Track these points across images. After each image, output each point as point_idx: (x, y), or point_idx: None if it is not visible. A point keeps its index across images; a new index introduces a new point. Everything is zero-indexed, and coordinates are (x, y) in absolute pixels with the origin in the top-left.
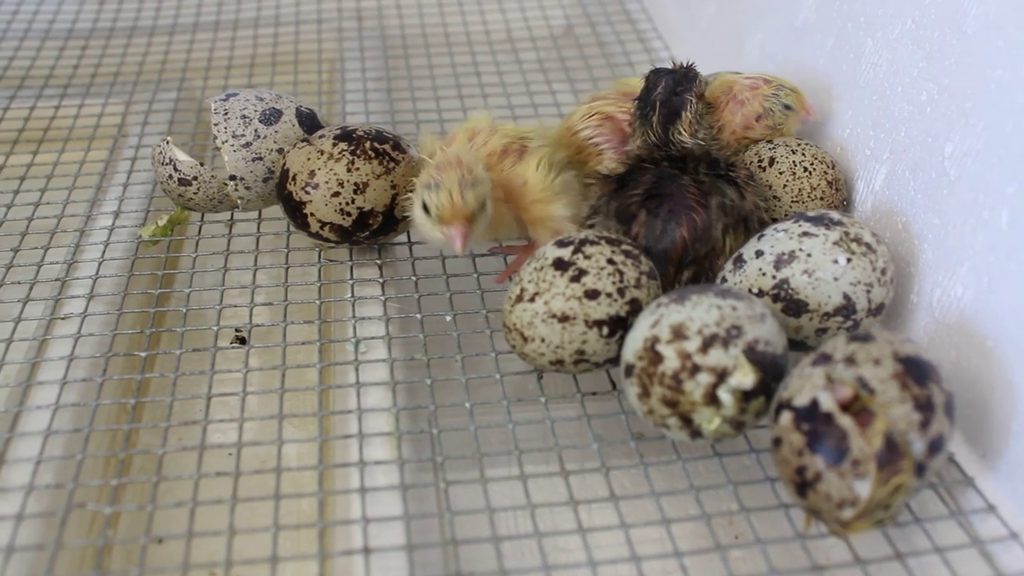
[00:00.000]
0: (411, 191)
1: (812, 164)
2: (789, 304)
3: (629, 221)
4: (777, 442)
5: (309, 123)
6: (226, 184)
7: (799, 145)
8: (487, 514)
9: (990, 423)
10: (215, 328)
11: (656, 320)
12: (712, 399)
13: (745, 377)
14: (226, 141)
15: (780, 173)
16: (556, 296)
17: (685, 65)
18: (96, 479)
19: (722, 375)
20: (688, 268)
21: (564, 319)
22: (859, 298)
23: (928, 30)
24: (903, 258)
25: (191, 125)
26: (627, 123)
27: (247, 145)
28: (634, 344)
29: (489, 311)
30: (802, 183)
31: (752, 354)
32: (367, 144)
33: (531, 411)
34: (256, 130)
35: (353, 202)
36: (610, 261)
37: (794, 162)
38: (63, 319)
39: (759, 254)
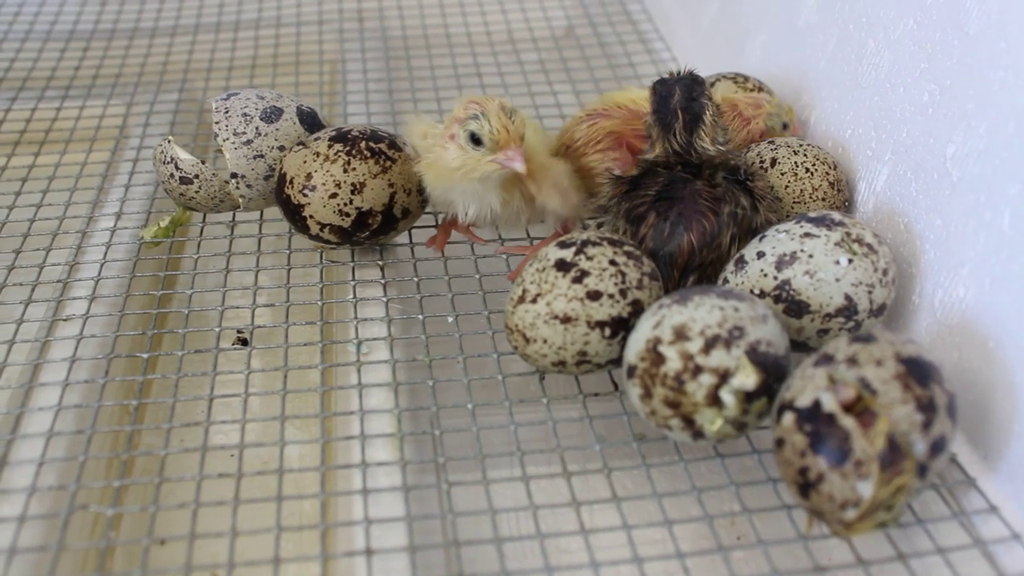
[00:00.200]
0: (430, 147)
1: (814, 165)
2: (791, 305)
3: (638, 223)
4: (779, 443)
5: (310, 121)
6: (227, 183)
7: (801, 146)
8: (489, 515)
9: (992, 424)
10: (217, 329)
11: (658, 321)
12: (714, 400)
13: (747, 378)
14: (227, 139)
15: (782, 174)
16: (558, 297)
17: (687, 71)
18: (98, 481)
19: (724, 376)
20: (693, 273)
21: (566, 320)
22: (861, 299)
23: (930, 31)
24: (905, 259)
25: (192, 127)
26: (641, 135)
27: (248, 143)
28: (636, 345)
29: (491, 312)
30: (804, 184)
31: (754, 355)
32: (362, 144)
33: (533, 412)
34: (257, 128)
35: (351, 202)
36: (612, 262)
37: (796, 163)
38: (65, 320)
39: (761, 255)
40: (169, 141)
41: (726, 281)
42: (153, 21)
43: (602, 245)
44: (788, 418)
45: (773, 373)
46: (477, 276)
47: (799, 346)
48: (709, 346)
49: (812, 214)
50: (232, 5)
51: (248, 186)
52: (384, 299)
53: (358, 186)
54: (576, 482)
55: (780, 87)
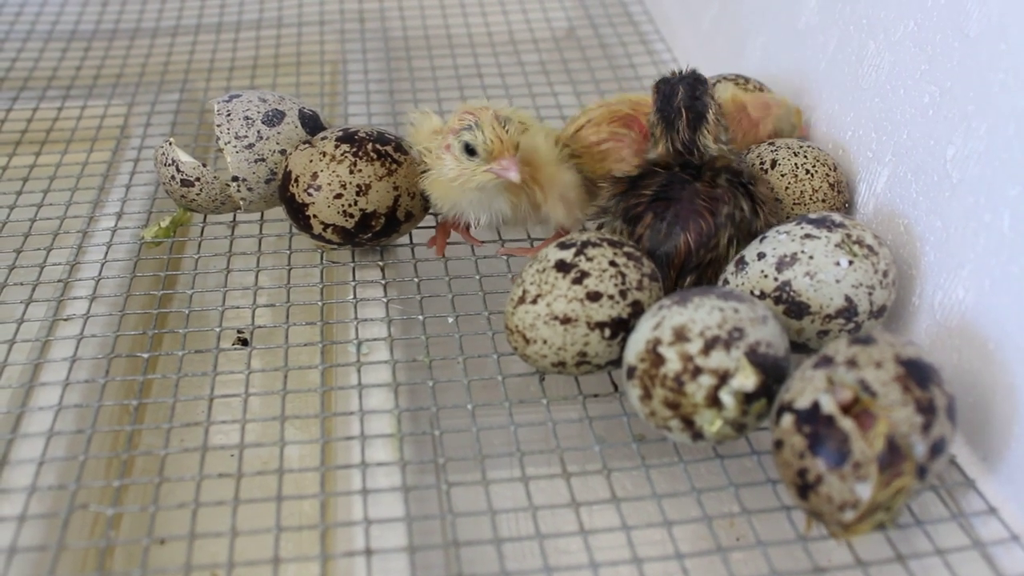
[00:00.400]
0: (427, 159)
1: (814, 166)
2: (791, 306)
3: (635, 222)
4: (778, 444)
5: (312, 124)
6: (228, 185)
7: (801, 147)
8: (489, 516)
9: (991, 425)
10: (217, 329)
11: (658, 322)
12: (714, 401)
13: (747, 379)
14: (229, 142)
15: (782, 175)
16: (558, 298)
17: (690, 71)
18: (98, 480)
19: (724, 377)
20: (690, 274)
21: (566, 321)
22: (861, 300)
23: (930, 33)
24: (905, 260)
25: (194, 127)
26: (646, 131)
27: (250, 146)
28: (636, 346)
29: (491, 313)
30: (804, 185)
31: (754, 356)
32: (369, 146)
33: (533, 413)
34: (259, 131)
35: (356, 204)
36: (612, 263)
37: (796, 164)
38: (65, 320)
39: (761, 256)
40: (170, 143)
41: (726, 282)
42: (155, 21)
43: (602, 246)
44: (787, 419)
45: (773, 374)
46: (477, 277)
47: (799, 347)
48: (709, 347)
49: (812, 215)
50: (233, 5)
51: (249, 189)
52: (384, 300)
53: (363, 188)
54: (576, 483)
55: (780, 88)
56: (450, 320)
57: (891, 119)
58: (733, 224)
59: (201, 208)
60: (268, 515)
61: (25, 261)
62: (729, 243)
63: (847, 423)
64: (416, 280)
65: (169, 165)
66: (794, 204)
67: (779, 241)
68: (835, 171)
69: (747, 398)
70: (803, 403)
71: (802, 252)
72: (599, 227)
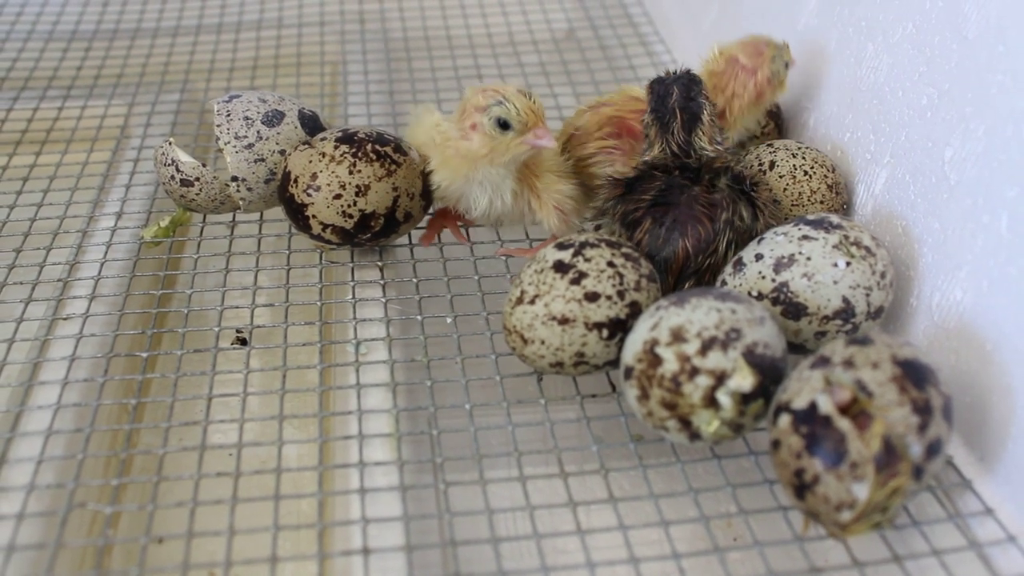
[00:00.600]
0: (437, 146)
1: (812, 168)
2: (788, 307)
3: (633, 227)
4: (775, 444)
5: (311, 125)
6: (228, 185)
7: (799, 149)
8: (486, 515)
9: (988, 426)
10: (216, 329)
11: (656, 323)
12: (711, 402)
13: (744, 380)
14: (228, 142)
15: (780, 176)
16: (556, 298)
17: (684, 70)
18: (97, 479)
19: (721, 378)
20: (689, 279)
21: (564, 321)
22: (858, 301)
23: (929, 35)
24: (903, 262)
25: (194, 127)
26: (641, 132)
27: (249, 147)
28: (633, 346)
29: (489, 313)
30: (802, 187)
31: (751, 357)
32: (369, 146)
33: (531, 413)
34: (258, 131)
35: (355, 204)
36: (610, 264)
37: (794, 166)
38: (65, 319)
39: (759, 257)
40: (170, 143)
41: (724, 283)
42: (155, 22)
43: (600, 247)
44: (784, 420)
45: (770, 375)
46: (476, 277)
47: (797, 348)
48: (706, 348)
49: (810, 217)
50: (234, 6)
51: (249, 189)
52: (383, 300)
53: (362, 188)
54: (573, 483)
55: None
56: (449, 320)
57: (889, 121)
58: (732, 229)
59: (200, 208)
60: (266, 514)
61: (25, 260)
62: (728, 248)
63: (844, 423)
64: (415, 280)
65: (169, 165)
66: (792, 205)
67: (777, 242)
68: (833, 172)
69: (744, 399)
70: (800, 403)
71: (800, 253)
72: (596, 228)
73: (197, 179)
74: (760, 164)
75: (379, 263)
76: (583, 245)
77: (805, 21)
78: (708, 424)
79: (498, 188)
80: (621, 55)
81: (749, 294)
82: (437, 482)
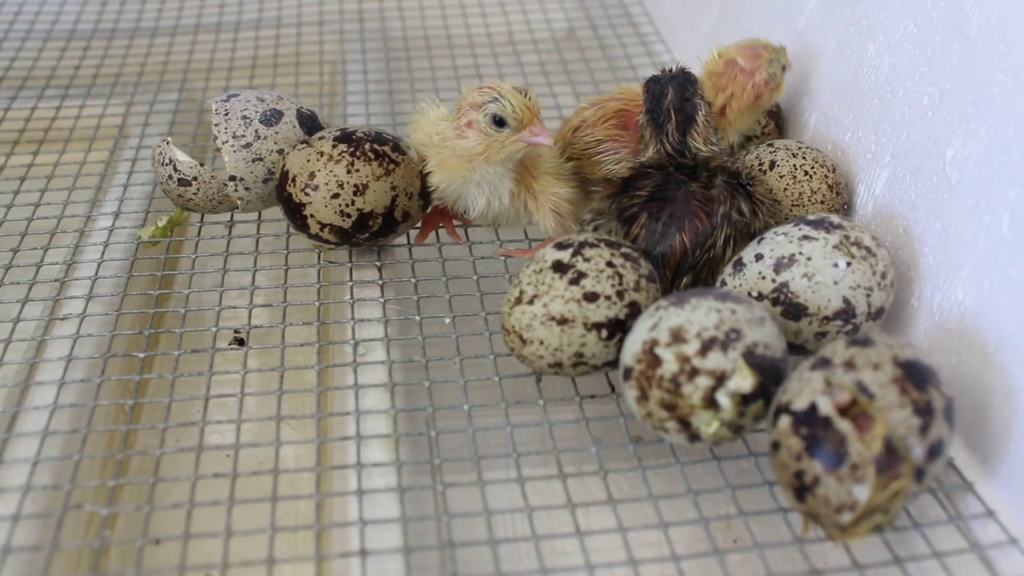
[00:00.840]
0: (435, 143)
1: (813, 168)
2: (788, 308)
3: (630, 223)
4: (775, 446)
5: (310, 124)
6: (226, 185)
7: (800, 148)
8: (484, 517)
9: (990, 428)
10: (214, 329)
11: (655, 323)
12: (710, 402)
13: (744, 381)
14: (226, 142)
15: (780, 176)
16: (555, 299)
17: (679, 69)
18: (93, 480)
19: (721, 378)
20: (686, 274)
21: (563, 322)
22: (859, 302)
23: (930, 34)
24: (903, 262)
25: (192, 126)
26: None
27: (247, 146)
28: (633, 347)
29: (488, 313)
30: (803, 187)
31: (751, 358)
32: (367, 146)
33: (529, 414)
34: (257, 131)
35: (353, 204)
36: (609, 264)
37: (795, 165)
38: (62, 320)
39: (759, 257)
40: (168, 142)
41: (724, 283)
42: (153, 21)
43: (599, 247)
44: (784, 421)
45: (770, 376)
46: (474, 277)
47: (797, 349)
48: (706, 348)
49: (811, 217)
50: (233, 5)
51: (247, 189)
52: (381, 300)
53: (361, 188)
54: (572, 484)
55: None
56: (447, 320)
57: (890, 121)
58: (730, 224)
59: (198, 207)
60: (263, 515)
61: (22, 260)
62: (726, 243)
63: (844, 425)
64: (413, 280)
65: (167, 164)
66: (792, 205)
67: (777, 242)
68: (834, 172)
69: (744, 399)
70: (800, 405)
71: (800, 254)
72: (594, 228)
73: (195, 178)
74: (760, 164)
75: (377, 263)
76: (582, 245)
77: (806, 20)
78: (708, 425)
79: (496, 189)
80: (621, 55)
81: (749, 294)
82: (435, 483)
